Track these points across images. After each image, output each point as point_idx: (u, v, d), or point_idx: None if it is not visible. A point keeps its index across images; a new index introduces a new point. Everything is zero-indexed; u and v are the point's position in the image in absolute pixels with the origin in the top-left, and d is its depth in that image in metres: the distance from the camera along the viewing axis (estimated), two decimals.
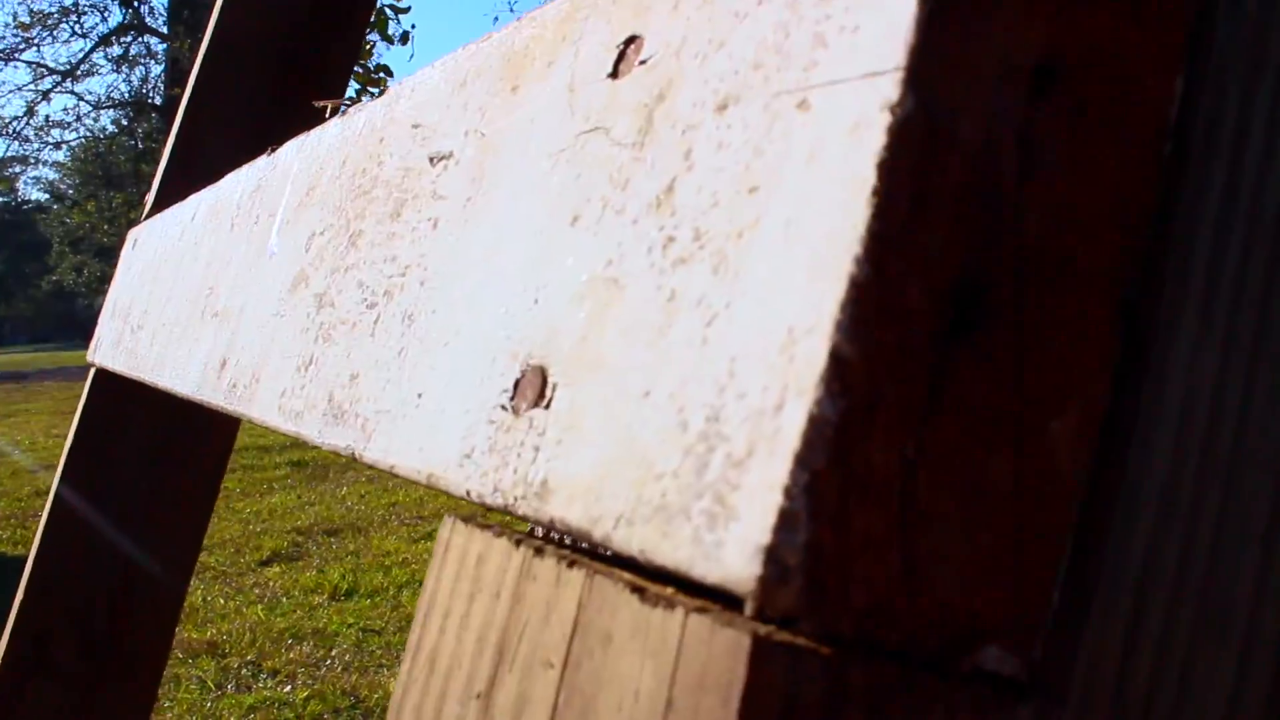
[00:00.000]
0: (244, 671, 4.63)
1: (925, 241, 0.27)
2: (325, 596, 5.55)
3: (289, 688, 4.45)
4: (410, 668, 0.39)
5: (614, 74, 0.40)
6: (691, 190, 0.33)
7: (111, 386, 1.51)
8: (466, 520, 0.39)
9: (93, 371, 1.56)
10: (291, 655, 4.79)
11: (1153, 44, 0.31)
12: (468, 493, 0.38)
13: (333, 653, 4.80)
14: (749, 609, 0.26)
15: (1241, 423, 0.34)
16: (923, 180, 0.27)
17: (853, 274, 0.26)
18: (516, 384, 0.38)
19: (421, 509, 7.30)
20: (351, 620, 5.18)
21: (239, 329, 0.78)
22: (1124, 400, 0.32)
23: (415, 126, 0.57)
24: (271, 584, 5.83)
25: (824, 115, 0.29)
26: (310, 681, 4.51)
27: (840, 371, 0.26)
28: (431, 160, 0.53)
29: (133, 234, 1.55)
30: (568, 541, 0.36)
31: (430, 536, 6.59)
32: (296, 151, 0.81)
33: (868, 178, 0.27)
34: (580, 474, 0.33)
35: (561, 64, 0.44)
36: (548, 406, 0.36)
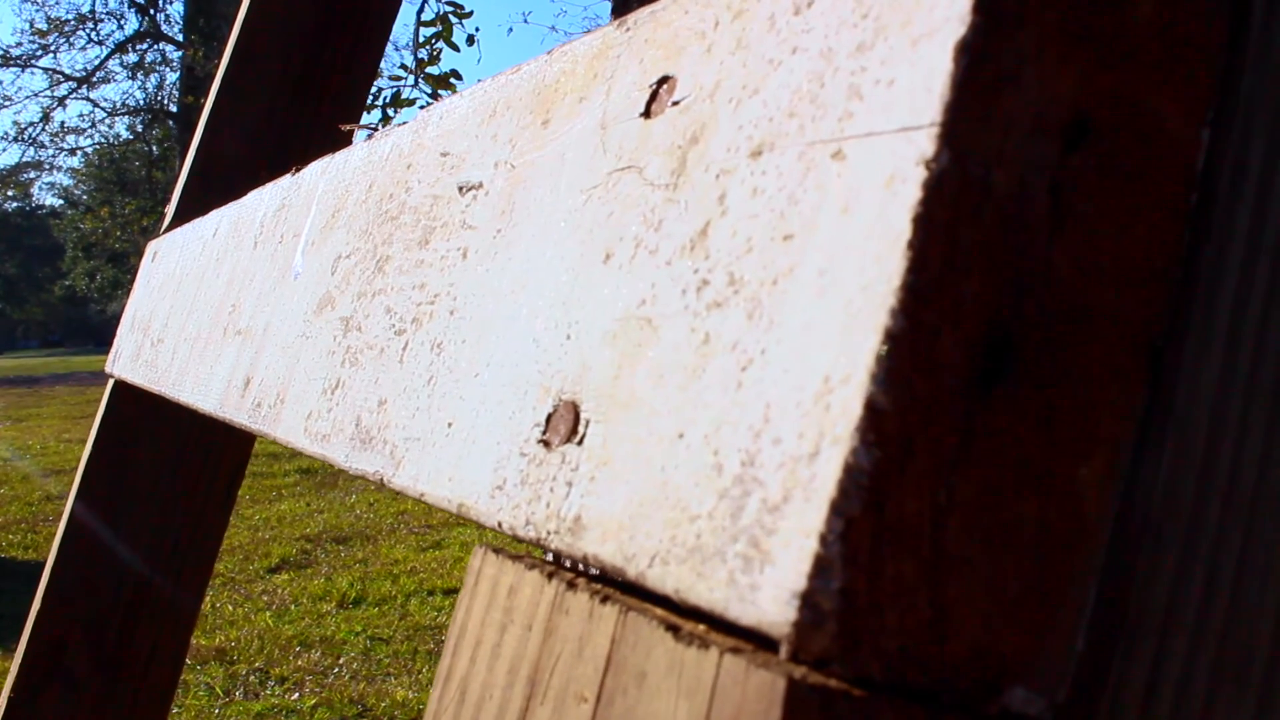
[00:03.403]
0: (252, 678, 4.64)
1: (958, 293, 0.28)
2: (333, 604, 5.56)
3: (296, 695, 4.46)
4: (441, 695, 0.39)
5: (646, 113, 0.41)
6: (726, 235, 0.34)
7: (130, 398, 1.53)
8: (498, 551, 0.39)
9: (111, 383, 1.58)
10: (299, 663, 4.79)
11: (1181, 98, 0.32)
12: (499, 524, 0.39)
13: (340, 661, 4.81)
14: (783, 652, 0.27)
15: (1263, 468, 0.35)
16: (957, 233, 0.28)
17: (888, 326, 0.27)
18: (549, 418, 0.38)
19: (430, 518, 7.31)
20: (359, 628, 5.18)
21: (263, 348, 0.79)
22: (1149, 446, 0.33)
23: (444, 155, 0.58)
24: (280, 591, 5.84)
25: (859, 166, 0.30)
26: (318, 689, 4.51)
27: (875, 421, 0.27)
28: (461, 189, 0.54)
29: (152, 246, 1.56)
30: (594, 571, 0.37)
31: (438, 545, 6.59)
32: (321, 173, 0.82)
33: (903, 231, 0.28)
34: (614, 511, 0.33)
35: (593, 100, 0.45)
36: (580, 442, 0.36)
